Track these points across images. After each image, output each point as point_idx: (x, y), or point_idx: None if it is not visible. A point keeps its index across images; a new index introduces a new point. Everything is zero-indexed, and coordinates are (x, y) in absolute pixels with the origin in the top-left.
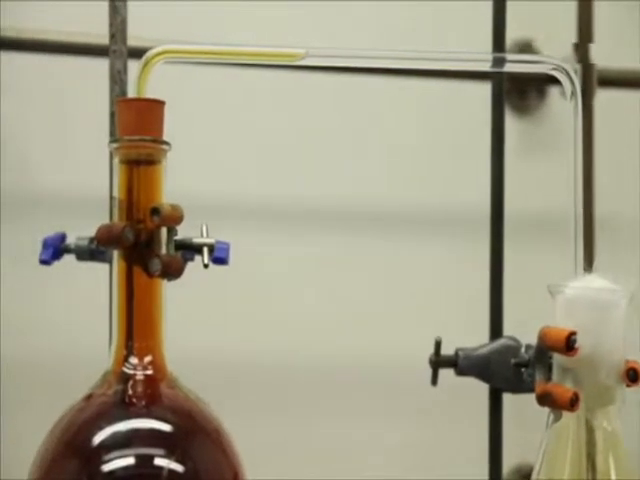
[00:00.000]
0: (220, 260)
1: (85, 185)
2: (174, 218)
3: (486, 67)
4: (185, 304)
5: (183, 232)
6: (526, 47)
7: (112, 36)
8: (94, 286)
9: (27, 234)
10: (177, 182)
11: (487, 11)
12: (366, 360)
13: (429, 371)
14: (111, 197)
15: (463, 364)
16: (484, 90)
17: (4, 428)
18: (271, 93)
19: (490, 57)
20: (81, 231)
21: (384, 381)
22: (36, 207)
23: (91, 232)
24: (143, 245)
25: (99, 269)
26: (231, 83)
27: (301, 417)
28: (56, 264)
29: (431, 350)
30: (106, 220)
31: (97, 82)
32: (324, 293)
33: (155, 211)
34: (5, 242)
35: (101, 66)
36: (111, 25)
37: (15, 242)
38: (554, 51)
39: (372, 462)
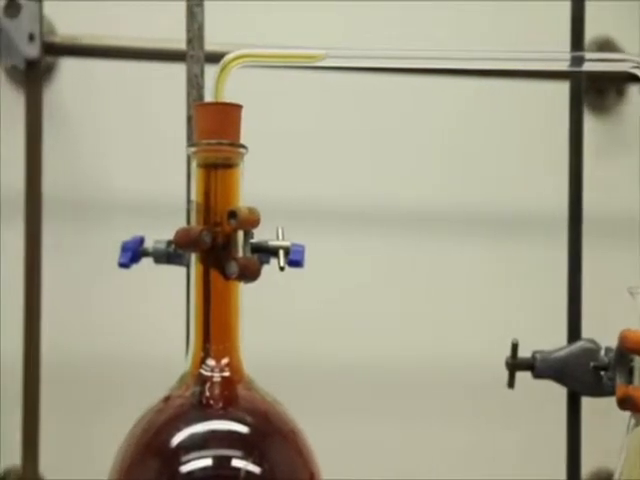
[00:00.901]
0: (296, 263)
1: (162, 189)
2: (251, 221)
3: (564, 66)
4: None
5: (257, 235)
6: (605, 45)
7: (189, 41)
8: (171, 289)
9: (106, 238)
10: (254, 185)
11: (565, 9)
12: (442, 362)
13: (506, 373)
14: (188, 201)
15: (540, 367)
16: (561, 89)
17: (84, 430)
18: (345, 95)
19: (569, 56)
20: (159, 235)
21: (460, 383)
22: (114, 211)
23: (168, 236)
24: (220, 248)
25: (176, 272)
26: (305, 85)
27: (373, 419)
28: (134, 267)
29: (508, 352)
30: (183, 224)
31: (174, 87)
32: (396, 296)
33: (232, 214)
34: (84, 246)
35: (178, 71)
36: (188, 30)
37: (94, 246)
38: (634, 49)
39: (449, 464)
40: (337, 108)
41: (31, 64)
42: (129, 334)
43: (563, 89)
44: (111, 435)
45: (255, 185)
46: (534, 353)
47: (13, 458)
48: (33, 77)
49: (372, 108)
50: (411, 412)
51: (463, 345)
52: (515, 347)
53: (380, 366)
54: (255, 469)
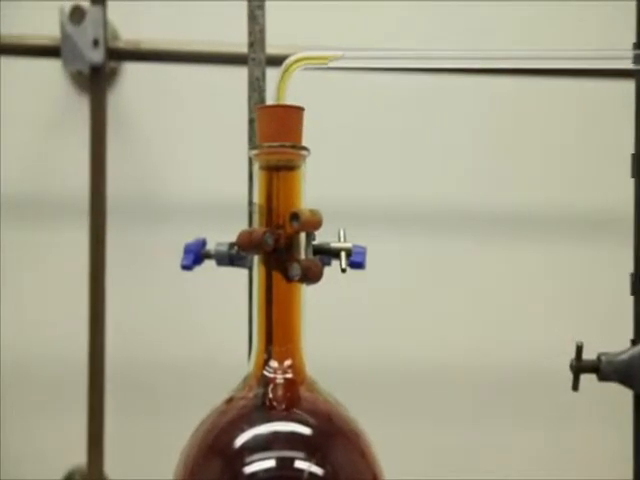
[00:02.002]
0: (357, 264)
1: (225, 191)
2: (313, 223)
3: (628, 65)
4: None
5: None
6: None
7: (251, 44)
8: (233, 291)
9: (169, 240)
10: (316, 187)
11: (631, 5)
12: (505, 363)
13: (570, 376)
14: (250, 203)
15: (606, 369)
16: (627, 88)
17: (148, 431)
18: (407, 96)
19: (632, 54)
20: (221, 237)
21: (523, 385)
22: (177, 214)
23: (231, 238)
24: (282, 250)
25: (238, 274)
26: (365, 87)
27: (436, 420)
28: (196, 269)
29: (572, 354)
30: (245, 226)
31: (236, 90)
32: (458, 296)
33: (295, 216)
34: (147, 248)
35: (240, 74)
36: (250, 34)
37: (157, 248)
38: None
39: (514, 466)
40: (390, 109)
41: (95, 69)
42: (191, 336)
43: (628, 88)
44: (174, 436)
45: (317, 187)
46: (599, 355)
47: (78, 458)
48: (97, 82)
49: (425, 109)
50: (477, 414)
51: (526, 346)
52: (580, 349)
53: (440, 369)
54: (318, 470)
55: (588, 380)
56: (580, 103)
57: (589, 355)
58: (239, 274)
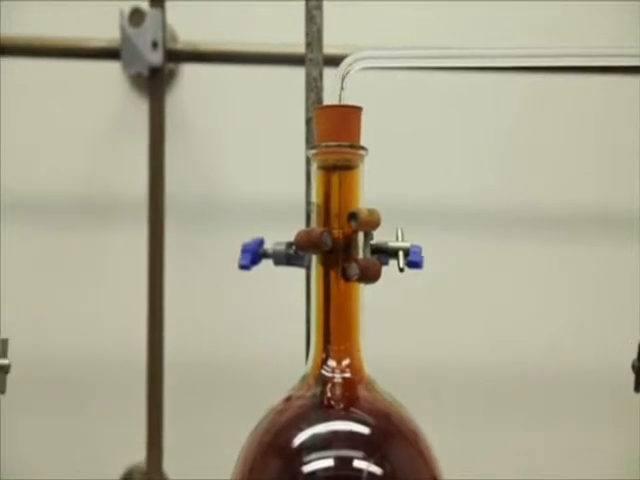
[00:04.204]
0: (415, 264)
1: (282, 191)
2: (371, 223)
3: None
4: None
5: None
6: None
7: (308, 45)
8: (291, 291)
9: (226, 240)
10: (374, 186)
11: None
12: (567, 364)
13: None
14: (308, 203)
15: None
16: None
17: (207, 429)
18: (464, 95)
19: None
20: (278, 237)
21: (584, 386)
22: (235, 214)
23: (288, 237)
24: (341, 250)
25: (295, 274)
26: (422, 85)
27: (498, 421)
28: (254, 269)
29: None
30: (302, 226)
31: (293, 90)
32: (519, 296)
33: (353, 216)
34: (205, 248)
35: (297, 74)
36: (307, 34)
37: (215, 248)
38: None
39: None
40: (448, 108)
41: (154, 71)
42: (249, 335)
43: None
44: (233, 435)
45: (375, 186)
46: None
47: (137, 457)
48: (156, 83)
49: (482, 107)
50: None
51: (588, 347)
52: None
53: (501, 369)
54: (377, 470)
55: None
56: (597, 100)
57: (613, 354)
58: (296, 274)
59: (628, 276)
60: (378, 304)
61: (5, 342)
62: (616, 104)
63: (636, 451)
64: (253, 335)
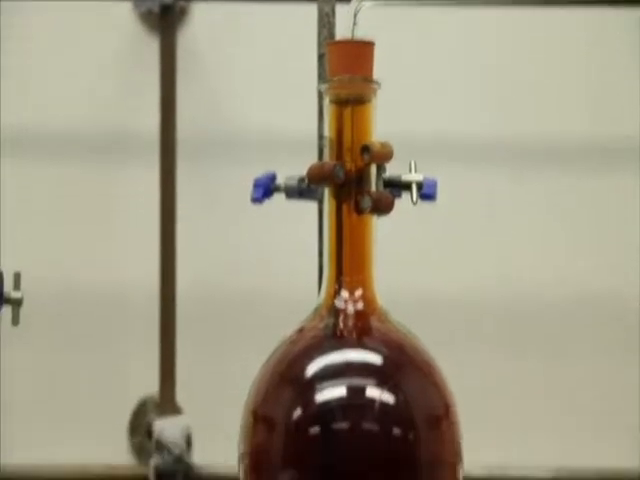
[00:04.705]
0: (428, 197)
1: (294, 126)
2: (384, 155)
3: None
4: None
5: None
6: None
7: None
8: (303, 225)
9: (238, 175)
10: (387, 120)
11: None
12: (576, 295)
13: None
14: (320, 137)
15: None
16: None
17: (220, 361)
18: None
19: None
20: (290, 171)
21: (594, 316)
22: (247, 149)
23: (300, 172)
24: (353, 183)
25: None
26: (435, 22)
27: (509, 352)
28: (267, 204)
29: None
30: (315, 160)
31: (305, 26)
32: (528, 228)
33: (365, 149)
34: (217, 184)
35: (309, 10)
36: None
37: (227, 183)
38: None
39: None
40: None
41: (165, 8)
42: (262, 269)
43: None
44: (245, 366)
45: (388, 120)
46: None
47: (151, 388)
48: (167, 21)
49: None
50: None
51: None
52: None
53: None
54: (390, 399)
55: None
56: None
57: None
58: (309, 208)
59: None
60: (390, 237)
61: (18, 275)
62: (606, 36)
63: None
64: (266, 268)
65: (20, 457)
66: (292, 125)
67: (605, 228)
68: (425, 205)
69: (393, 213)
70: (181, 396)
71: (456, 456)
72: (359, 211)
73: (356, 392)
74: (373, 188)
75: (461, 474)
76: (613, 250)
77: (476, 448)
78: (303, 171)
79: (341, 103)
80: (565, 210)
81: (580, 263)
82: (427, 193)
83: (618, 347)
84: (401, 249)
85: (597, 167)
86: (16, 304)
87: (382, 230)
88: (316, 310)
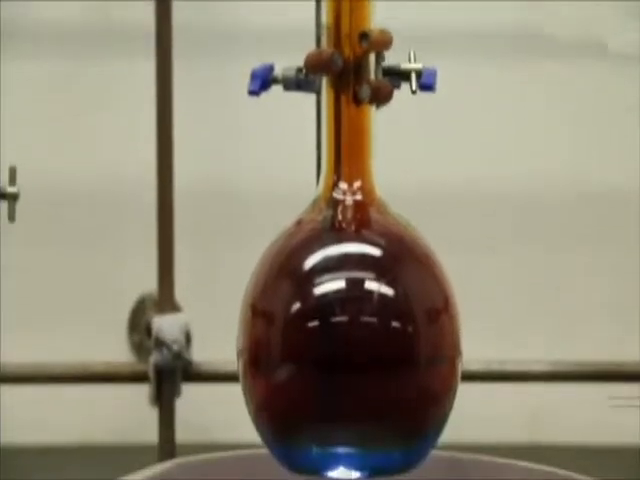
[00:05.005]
0: (427, 86)
1: (291, 15)
2: (383, 42)
3: None
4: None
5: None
6: None
7: None
8: (300, 116)
9: (235, 67)
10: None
11: None
12: (577, 186)
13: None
14: (317, 26)
15: None
16: None
17: (217, 257)
18: None
19: None
20: (288, 62)
21: (594, 207)
22: (243, 40)
23: (298, 63)
24: (351, 71)
25: (306, 99)
26: None
27: (508, 243)
28: (264, 97)
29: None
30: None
31: None
32: (528, 119)
33: (364, 36)
34: (214, 76)
35: None
36: None
37: (224, 75)
38: None
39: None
40: None
41: None
42: (259, 163)
43: None
44: (245, 264)
45: (387, 10)
46: None
47: (149, 286)
48: None
49: None
50: (549, 235)
51: (586, 169)
52: None
53: (524, 193)
54: (389, 291)
55: None
56: None
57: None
58: (307, 100)
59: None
60: (390, 128)
61: (13, 170)
62: None
63: None
64: (263, 163)
65: (20, 356)
66: (289, 15)
67: (607, 121)
68: (424, 95)
69: (392, 103)
70: (180, 293)
71: (455, 350)
72: (358, 101)
73: (355, 285)
74: (372, 77)
75: (460, 368)
76: (615, 143)
77: (475, 343)
78: (301, 63)
79: None
80: (567, 102)
81: (581, 156)
82: (426, 83)
83: (620, 240)
84: (400, 142)
85: (597, 63)
86: (12, 199)
87: (381, 122)
88: (314, 202)
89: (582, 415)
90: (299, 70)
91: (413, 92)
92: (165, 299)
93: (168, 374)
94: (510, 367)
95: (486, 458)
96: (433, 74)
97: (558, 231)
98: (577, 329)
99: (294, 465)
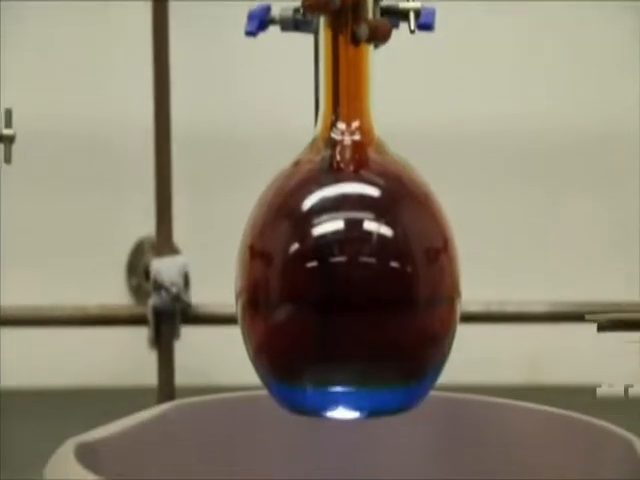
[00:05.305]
0: (426, 26)
1: None
2: None
3: None
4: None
5: None
6: None
7: None
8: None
9: (231, 8)
10: None
11: None
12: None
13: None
14: None
15: None
16: None
17: (215, 200)
18: None
19: None
20: (285, 2)
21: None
22: None
23: (295, 3)
24: (349, 10)
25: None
26: None
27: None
28: (262, 38)
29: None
30: None
31: None
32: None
33: None
34: (210, 17)
35: None
36: None
37: (220, 17)
38: None
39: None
40: None
41: None
42: (256, 104)
43: None
44: (243, 206)
45: None
46: None
47: (148, 229)
48: None
49: None
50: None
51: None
52: None
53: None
54: (387, 232)
55: None
56: None
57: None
58: (304, 41)
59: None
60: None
61: (9, 112)
62: None
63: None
64: (261, 104)
65: (19, 299)
66: None
67: (609, 61)
68: (423, 35)
69: (390, 43)
70: (178, 236)
71: (454, 291)
72: (356, 40)
73: (354, 225)
74: (370, 16)
75: (459, 309)
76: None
77: (474, 284)
78: (298, 3)
79: None
80: (568, 43)
81: (582, 96)
82: (425, 22)
83: (620, 180)
84: (399, 82)
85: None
86: (8, 141)
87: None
88: (312, 142)
89: (581, 356)
90: (296, 10)
91: (412, 31)
92: (163, 242)
93: (167, 317)
94: (510, 308)
95: (485, 398)
96: (432, 13)
97: (558, 171)
98: (577, 269)
99: (293, 406)
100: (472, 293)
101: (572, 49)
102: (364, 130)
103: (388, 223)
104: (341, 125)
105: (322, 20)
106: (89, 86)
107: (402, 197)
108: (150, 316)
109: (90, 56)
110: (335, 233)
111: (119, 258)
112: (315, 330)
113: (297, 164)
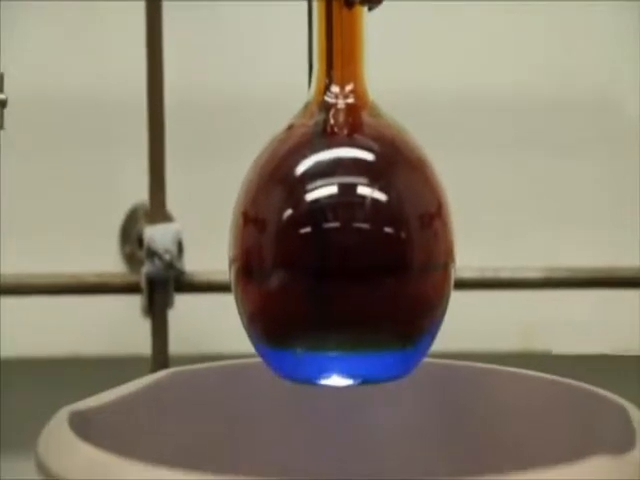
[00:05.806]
0: None
1: None
2: None
3: None
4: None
5: None
6: None
7: None
8: (291, 23)
9: None
10: None
11: None
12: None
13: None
14: None
15: None
16: None
17: (209, 167)
18: None
19: None
20: None
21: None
22: None
23: None
24: None
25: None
26: None
27: (509, 152)
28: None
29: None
30: None
31: None
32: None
33: None
34: None
35: None
36: None
37: None
38: None
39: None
40: None
41: None
42: (250, 68)
43: None
44: (237, 173)
45: None
46: None
47: (141, 196)
48: None
49: None
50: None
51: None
52: None
53: (501, 97)
54: (381, 197)
55: None
56: None
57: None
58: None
59: None
60: (383, 33)
61: (1, 76)
62: None
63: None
64: (254, 68)
65: (9, 266)
66: None
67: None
68: None
69: (384, 7)
70: (172, 203)
71: (449, 256)
72: (349, 3)
73: (347, 190)
74: None
75: (453, 275)
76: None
77: (469, 250)
78: None
79: None
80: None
81: (581, 60)
82: None
83: (620, 146)
84: (394, 46)
85: None
86: (0, 106)
87: (373, 26)
88: (306, 106)
89: (578, 324)
90: None
91: None
92: (156, 209)
93: (160, 284)
94: (505, 274)
95: (479, 365)
96: None
97: (556, 136)
98: (575, 236)
99: (288, 373)
100: (467, 259)
101: (570, 11)
102: (358, 93)
103: (382, 188)
104: (335, 88)
105: None
106: (81, 50)
107: (396, 161)
108: (143, 284)
109: (83, 19)
110: (329, 198)
111: (112, 226)
112: (309, 296)
113: (290, 128)
